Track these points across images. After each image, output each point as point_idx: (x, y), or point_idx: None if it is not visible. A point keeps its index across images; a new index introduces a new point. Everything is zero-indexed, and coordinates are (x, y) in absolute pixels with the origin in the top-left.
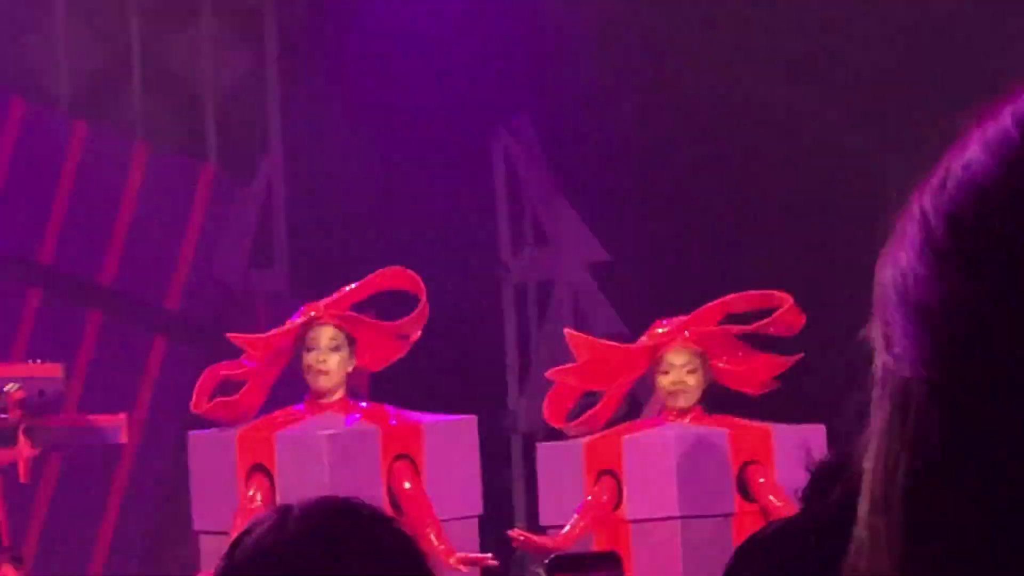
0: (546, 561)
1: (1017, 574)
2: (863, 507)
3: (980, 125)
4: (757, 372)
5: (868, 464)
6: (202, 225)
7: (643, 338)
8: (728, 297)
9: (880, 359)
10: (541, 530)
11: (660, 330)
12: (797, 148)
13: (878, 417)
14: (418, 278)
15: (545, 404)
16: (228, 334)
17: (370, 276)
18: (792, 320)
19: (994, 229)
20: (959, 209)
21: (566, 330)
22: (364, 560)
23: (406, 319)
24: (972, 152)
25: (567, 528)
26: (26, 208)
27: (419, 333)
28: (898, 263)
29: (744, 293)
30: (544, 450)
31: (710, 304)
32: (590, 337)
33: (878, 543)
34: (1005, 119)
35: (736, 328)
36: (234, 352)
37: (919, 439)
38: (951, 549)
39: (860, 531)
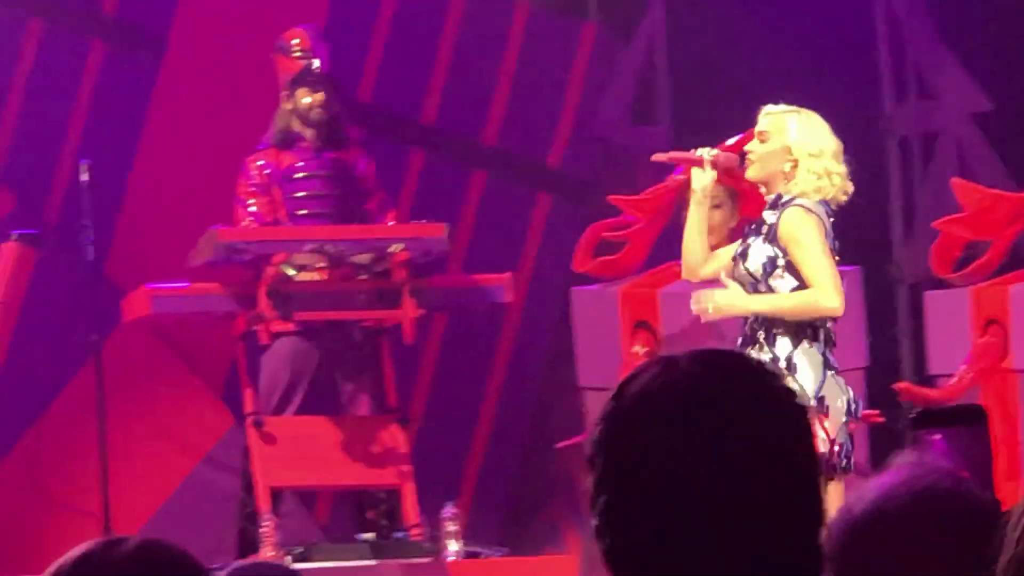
0: (911, 415)
1: None
2: None
3: None
4: None
5: None
6: (583, 83)
7: None
8: None
9: None
10: (929, 380)
11: None
12: None
13: None
14: None
15: (932, 254)
16: (610, 196)
17: (751, 130)
18: None
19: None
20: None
21: (953, 180)
22: (754, 410)
23: None
24: None
25: (954, 379)
26: (408, 69)
27: None
28: None
29: None
30: (931, 299)
31: None
32: (978, 186)
33: None
34: None
35: None
36: (615, 209)
37: None
38: None
39: None
